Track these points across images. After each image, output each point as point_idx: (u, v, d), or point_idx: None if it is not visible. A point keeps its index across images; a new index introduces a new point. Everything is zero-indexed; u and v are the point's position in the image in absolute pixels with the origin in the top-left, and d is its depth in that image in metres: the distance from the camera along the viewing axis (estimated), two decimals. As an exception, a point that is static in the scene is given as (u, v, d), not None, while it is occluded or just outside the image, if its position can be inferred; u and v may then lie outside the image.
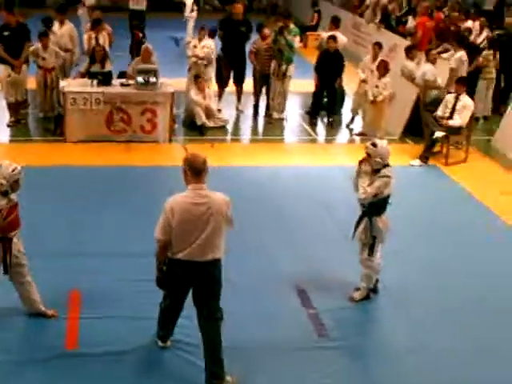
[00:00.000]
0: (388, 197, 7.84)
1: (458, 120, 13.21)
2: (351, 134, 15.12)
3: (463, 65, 14.76)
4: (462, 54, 14.93)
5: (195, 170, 6.24)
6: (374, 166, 7.73)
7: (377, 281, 8.31)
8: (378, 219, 7.87)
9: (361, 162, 7.89)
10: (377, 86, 14.27)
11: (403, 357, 7.24)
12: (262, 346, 7.25)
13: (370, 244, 7.94)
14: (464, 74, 14.70)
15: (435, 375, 7.01)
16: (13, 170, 6.91)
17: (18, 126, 14.25)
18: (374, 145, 7.75)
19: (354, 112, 15.46)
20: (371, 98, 14.32)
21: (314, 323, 7.72)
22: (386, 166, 7.79)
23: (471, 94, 14.32)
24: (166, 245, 6.33)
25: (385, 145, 7.81)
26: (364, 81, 15.02)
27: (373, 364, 7.11)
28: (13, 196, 7.07)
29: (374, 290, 8.31)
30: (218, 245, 6.34)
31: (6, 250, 7.08)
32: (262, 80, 15.70)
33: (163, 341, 7.14)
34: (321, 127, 15.54)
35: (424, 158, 13.25)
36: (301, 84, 16.65)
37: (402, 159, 13.24)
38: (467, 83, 13.70)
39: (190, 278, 6.45)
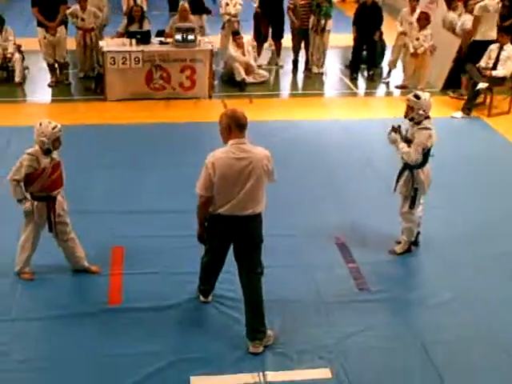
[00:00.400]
0: (430, 149, 7.74)
1: (502, 71, 12.96)
2: (388, 87, 14.93)
3: (489, 13, 14.14)
4: (487, 2, 14.26)
5: (238, 124, 6.15)
6: (416, 118, 7.63)
7: (418, 233, 8.26)
8: (419, 171, 7.79)
9: (406, 115, 7.75)
10: (417, 39, 14.05)
11: (445, 309, 7.20)
12: (303, 300, 7.27)
13: (412, 197, 7.87)
14: (493, 22, 14.13)
15: (476, 325, 6.98)
16: (53, 128, 6.99)
17: (60, 86, 14.37)
18: (417, 97, 7.65)
19: (392, 65, 15.26)
20: (412, 50, 14.11)
21: (355, 276, 7.72)
22: (427, 117, 7.68)
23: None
24: (207, 200, 6.28)
25: (427, 97, 7.69)
26: (403, 33, 14.80)
27: (414, 316, 7.09)
28: (55, 155, 7.16)
29: (415, 243, 8.26)
30: (259, 199, 6.29)
31: (50, 209, 7.20)
32: (301, 35, 15.54)
33: (205, 296, 7.20)
34: (361, 81, 15.36)
35: (466, 109, 13.04)
36: (340, 38, 16.46)
37: (444, 111, 13.09)
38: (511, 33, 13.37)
39: (231, 233, 6.41)
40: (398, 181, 7.95)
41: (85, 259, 7.63)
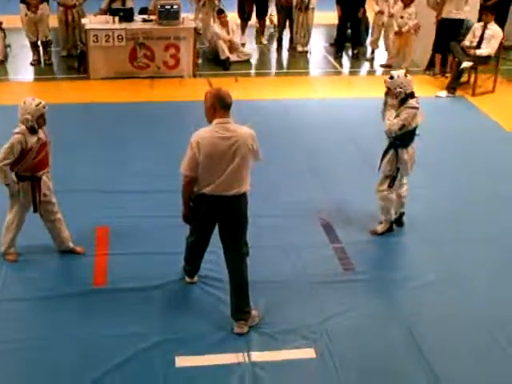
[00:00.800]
0: (415, 128, 7.75)
1: (486, 49, 12.97)
2: (372, 66, 14.92)
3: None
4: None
5: (223, 104, 6.10)
6: (398, 96, 7.63)
7: (402, 214, 8.29)
8: (404, 151, 7.79)
9: (386, 94, 7.81)
10: (402, 17, 14.05)
11: (429, 289, 7.24)
12: (287, 280, 7.29)
13: (393, 176, 7.88)
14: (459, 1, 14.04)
15: (459, 304, 7.03)
16: (37, 105, 6.93)
17: (43, 65, 14.23)
18: (391, 77, 7.66)
19: (374, 45, 15.26)
20: (396, 28, 14.10)
21: (340, 257, 7.74)
22: (412, 96, 7.66)
23: (502, 24, 13.99)
24: (192, 180, 6.25)
25: (401, 74, 7.68)
26: (380, 12, 14.76)
27: (398, 296, 7.13)
28: (42, 135, 7.10)
29: (400, 223, 8.30)
30: (243, 178, 6.27)
31: (35, 189, 7.15)
32: (286, 13, 15.47)
33: (190, 276, 7.20)
34: (345, 59, 15.33)
35: (451, 88, 13.06)
36: (324, 16, 16.40)
37: (429, 90, 13.11)
38: (495, 11, 13.37)
39: (216, 213, 6.39)
40: (382, 159, 7.95)
41: (70, 240, 7.60)
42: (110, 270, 7.41)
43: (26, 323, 6.62)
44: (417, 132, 7.83)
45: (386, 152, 7.91)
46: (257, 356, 6.19)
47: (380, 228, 8.18)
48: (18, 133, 6.94)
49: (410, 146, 7.84)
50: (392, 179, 7.89)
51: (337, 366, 6.10)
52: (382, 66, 14.77)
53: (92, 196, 8.75)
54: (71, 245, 7.61)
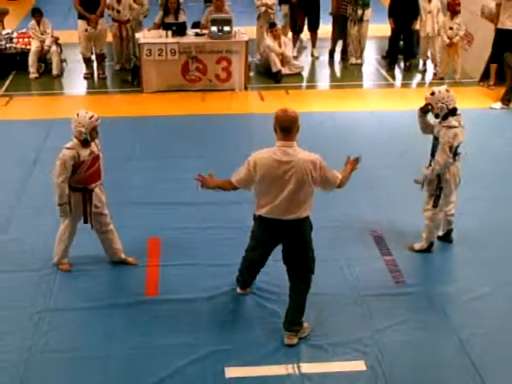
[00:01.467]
0: (457, 147, 7.53)
1: (542, 59, 12.77)
2: (424, 78, 14.76)
3: (508, 1, 13.82)
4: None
5: (283, 128, 5.99)
6: (439, 112, 7.49)
7: (451, 230, 8.15)
8: (446, 170, 7.61)
9: (422, 109, 7.69)
10: (451, 28, 13.88)
11: (482, 302, 7.14)
12: (339, 292, 7.25)
13: (436, 195, 7.70)
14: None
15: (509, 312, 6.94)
16: (90, 118, 7.03)
17: (97, 79, 14.47)
18: (432, 93, 7.54)
19: (424, 56, 15.07)
20: (447, 40, 13.94)
21: (391, 269, 7.68)
22: (454, 112, 7.50)
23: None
24: (234, 187, 6.38)
25: (443, 89, 7.54)
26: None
27: (450, 310, 7.03)
28: (94, 148, 7.20)
29: (448, 240, 8.16)
30: (302, 204, 6.13)
31: (86, 201, 7.25)
32: (340, 25, 15.46)
33: (243, 288, 7.19)
34: (397, 72, 15.23)
35: (506, 100, 12.87)
36: (376, 28, 16.31)
37: (483, 102, 12.96)
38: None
39: (275, 236, 6.34)
40: (425, 178, 7.81)
41: (122, 251, 7.68)
42: (162, 280, 7.48)
43: (78, 333, 6.71)
44: (463, 151, 7.65)
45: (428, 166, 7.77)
46: (306, 368, 6.17)
47: (418, 246, 8.03)
48: (68, 148, 7.04)
49: (454, 165, 7.63)
50: (436, 198, 7.72)
51: (387, 380, 6.05)
52: (433, 79, 14.57)
53: (144, 208, 8.85)
54: (123, 256, 7.69)
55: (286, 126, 5.97)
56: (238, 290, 7.21)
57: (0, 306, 7.02)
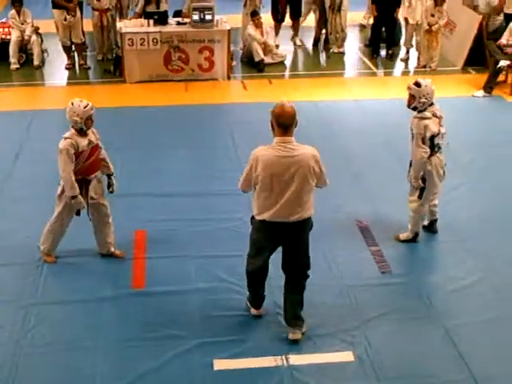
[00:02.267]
0: (432, 137, 7.44)
1: (524, 47, 12.81)
2: (407, 66, 14.77)
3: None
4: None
5: (282, 125, 5.79)
6: (418, 107, 7.39)
7: (435, 221, 8.14)
8: (427, 161, 7.52)
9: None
10: (432, 15, 13.87)
11: (468, 291, 7.19)
12: (325, 283, 7.26)
13: (420, 186, 7.67)
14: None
15: (499, 307, 6.94)
16: (85, 107, 6.97)
17: (79, 69, 14.39)
18: (418, 84, 7.38)
19: (408, 44, 15.07)
20: (427, 26, 13.94)
21: (377, 260, 7.70)
22: (431, 104, 7.45)
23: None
24: (245, 191, 6.23)
25: (429, 83, 7.40)
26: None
27: (436, 299, 7.06)
28: (93, 137, 7.16)
29: (433, 230, 8.16)
30: (305, 202, 5.97)
31: (82, 192, 7.18)
32: (323, 13, 15.45)
33: (257, 307, 6.73)
34: (380, 60, 15.22)
35: (488, 88, 12.92)
36: (359, 16, 16.34)
37: (465, 90, 13.01)
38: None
39: (277, 239, 6.16)
40: (409, 170, 7.77)
41: (113, 245, 7.66)
42: (149, 273, 7.46)
43: (65, 326, 6.67)
44: (444, 142, 7.63)
45: (411, 163, 7.74)
46: (295, 359, 6.18)
47: (403, 236, 8.03)
48: (66, 137, 6.98)
49: (435, 156, 7.59)
50: (421, 191, 7.68)
51: (375, 370, 6.08)
52: (417, 67, 14.58)
53: (129, 200, 8.79)
54: (112, 249, 7.67)
55: (285, 123, 5.79)
56: (253, 310, 6.75)
57: (-14, 301, 6.99)
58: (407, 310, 6.89)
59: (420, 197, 7.73)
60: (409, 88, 7.50)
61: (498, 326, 6.68)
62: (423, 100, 7.36)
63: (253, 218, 6.20)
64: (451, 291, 7.19)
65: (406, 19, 14.67)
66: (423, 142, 7.41)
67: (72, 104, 6.99)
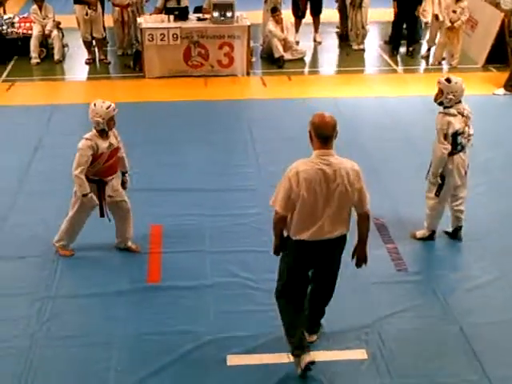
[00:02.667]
0: (456, 134, 7.39)
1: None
2: (427, 64, 14.66)
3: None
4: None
5: (322, 136, 5.39)
6: (445, 102, 7.34)
7: (459, 228, 7.96)
8: (449, 159, 7.48)
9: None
10: (454, 11, 13.77)
11: (483, 290, 7.15)
12: (340, 280, 7.16)
13: (439, 184, 7.59)
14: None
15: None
16: (107, 108, 6.97)
17: (99, 64, 14.46)
18: (448, 80, 7.33)
19: (431, 42, 14.98)
20: (449, 23, 13.84)
21: (393, 257, 7.67)
22: (459, 102, 7.40)
23: None
24: (283, 218, 5.54)
25: (460, 81, 7.33)
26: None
27: (452, 298, 7.02)
28: (114, 140, 7.17)
29: (456, 237, 7.97)
30: (346, 218, 5.60)
31: (101, 194, 7.21)
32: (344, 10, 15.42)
33: (300, 349, 5.91)
34: (401, 57, 15.15)
35: (509, 86, 12.81)
36: (380, 13, 16.26)
37: (486, 88, 12.93)
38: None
39: (314, 259, 5.74)
40: (429, 170, 7.71)
41: (131, 239, 7.69)
42: (164, 267, 7.49)
43: (80, 320, 6.72)
44: (468, 142, 7.57)
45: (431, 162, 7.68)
46: (307, 355, 6.15)
47: (420, 233, 7.98)
48: (86, 138, 6.98)
49: (458, 155, 7.53)
50: (438, 188, 7.61)
51: (388, 368, 6.06)
52: (433, 64, 14.46)
53: (146, 194, 8.82)
54: (130, 243, 7.70)
55: (325, 134, 5.39)
56: (299, 365, 5.87)
57: (2, 294, 7.04)
58: (422, 308, 6.87)
59: (437, 194, 7.67)
60: (439, 82, 7.44)
61: (513, 326, 6.64)
62: (450, 96, 7.30)
63: (286, 239, 5.71)
64: (467, 290, 7.15)
65: (436, 16, 14.48)
66: (445, 139, 7.37)
67: (94, 105, 6.97)
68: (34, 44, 14.20)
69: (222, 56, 13.62)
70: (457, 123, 7.35)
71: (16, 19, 14.94)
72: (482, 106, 12.09)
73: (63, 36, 14.76)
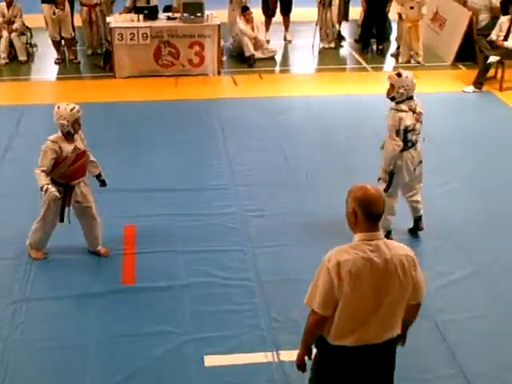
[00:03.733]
0: (406, 131, 7.34)
1: (514, 42, 12.84)
2: (397, 62, 14.70)
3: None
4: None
5: (372, 216, 4.27)
6: (396, 97, 7.35)
7: (418, 218, 7.99)
8: (399, 155, 7.42)
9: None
10: (411, 7, 13.85)
11: (457, 286, 7.20)
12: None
13: (388, 180, 7.52)
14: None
15: (491, 303, 6.96)
16: (71, 110, 6.90)
17: (69, 64, 14.36)
18: (399, 74, 7.35)
19: (400, 40, 15.04)
20: (408, 24, 13.93)
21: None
22: (410, 98, 7.40)
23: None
24: (324, 320, 4.35)
25: (410, 75, 7.38)
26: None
27: (426, 295, 6.96)
28: (79, 143, 7.10)
29: (419, 228, 8.02)
30: (399, 318, 4.49)
31: (66, 198, 7.14)
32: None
33: None
34: (370, 55, 15.21)
35: (478, 83, 12.93)
36: (351, 12, 16.30)
37: (455, 85, 13.05)
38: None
39: (358, 370, 4.53)
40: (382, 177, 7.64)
41: (99, 243, 7.62)
42: (139, 268, 7.44)
43: (55, 322, 6.65)
44: (419, 138, 7.55)
45: None
46: (286, 355, 6.14)
47: None
48: (51, 140, 6.93)
49: (407, 152, 7.48)
50: (388, 184, 7.52)
51: (366, 365, 6.07)
52: (401, 62, 14.54)
53: (119, 195, 8.76)
54: (98, 248, 7.62)
55: (376, 212, 4.28)
56: None
57: (-25, 297, 6.96)
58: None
59: (386, 190, 7.51)
60: (389, 77, 7.49)
61: (487, 321, 6.69)
62: (402, 91, 7.31)
63: (322, 345, 4.55)
64: (441, 286, 7.18)
65: (399, 15, 14.57)
66: (397, 135, 7.37)
67: (58, 107, 6.93)
68: (3, 45, 14.02)
69: (192, 55, 13.58)
70: (408, 119, 7.34)
71: (-17, 19, 14.74)
72: (452, 104, 12.26)
73: (32, 36, 14.61)
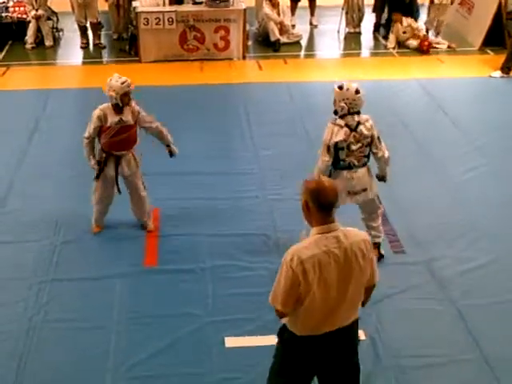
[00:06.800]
0: (336, 149, 6.69)
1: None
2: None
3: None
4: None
5: (324, 206, 4.23)
6: (338, 111, 6.66)
7: (375, 244, 7.22)
8: (333, 173, 6.82)
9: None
10: None
11: (480, 272, 7.16)
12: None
13: None
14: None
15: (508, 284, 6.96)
16: (122, 83, 7.04)
17: (95, 49, 14.41)
18: (340, 87, 6.67)
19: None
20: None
21: (390, 239, 7.68)
22: (357, 113, 6.73)
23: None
24: (285, 313, 4.43)
25: (352, 89, 6.66)
26: None
27: (449, 279, 7.04)
28: (129, 117, 7.23)
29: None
30: (361, 298, 4.52)
31: (113, 166, 7.36)
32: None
33: None
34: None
35: (506, 68, 12.79)
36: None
37: (482, 70, 12.90)
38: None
39: (325, 354, 4.54)
40: None
41: (145, 216, 7.77)
42: (161, 250, 7.50)
43: (78, 303, 6.74)
44: (360, 162, 6.88)
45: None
46: (305, 337, 6.18)
47: None
48: (99, 108, 7.13)
49: (341, 173, 6.80)
50: None
51: (386, 349, 6.09)
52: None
53: (144, 178, 8.78)
54: (144, 219, 7.78)
55: (329, 203, 4.24)
56: None
57: (0, 278, 7.04)
58: (419, 290, 6.89)
59: None
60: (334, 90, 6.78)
61: (510, 308, 6.65)
62: (342, 104, 6.63)
63: (284, 333, 4.60)
64: (464, 272, 7.17)
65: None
66: (328, 151, 6.71)
67: (110, 79, 7.09)
68: (31, 29, 14.11)
69: (217, 39, 13.58)
70: (339, 135, 6.65)
71: (10, 3, 14.84)
72: (479, 89, 12.13)
73: (58, 20, 14.68)
